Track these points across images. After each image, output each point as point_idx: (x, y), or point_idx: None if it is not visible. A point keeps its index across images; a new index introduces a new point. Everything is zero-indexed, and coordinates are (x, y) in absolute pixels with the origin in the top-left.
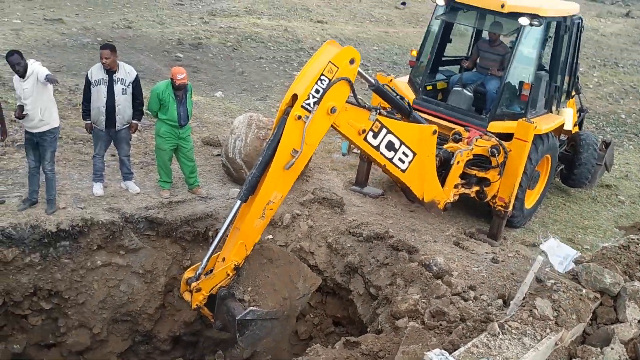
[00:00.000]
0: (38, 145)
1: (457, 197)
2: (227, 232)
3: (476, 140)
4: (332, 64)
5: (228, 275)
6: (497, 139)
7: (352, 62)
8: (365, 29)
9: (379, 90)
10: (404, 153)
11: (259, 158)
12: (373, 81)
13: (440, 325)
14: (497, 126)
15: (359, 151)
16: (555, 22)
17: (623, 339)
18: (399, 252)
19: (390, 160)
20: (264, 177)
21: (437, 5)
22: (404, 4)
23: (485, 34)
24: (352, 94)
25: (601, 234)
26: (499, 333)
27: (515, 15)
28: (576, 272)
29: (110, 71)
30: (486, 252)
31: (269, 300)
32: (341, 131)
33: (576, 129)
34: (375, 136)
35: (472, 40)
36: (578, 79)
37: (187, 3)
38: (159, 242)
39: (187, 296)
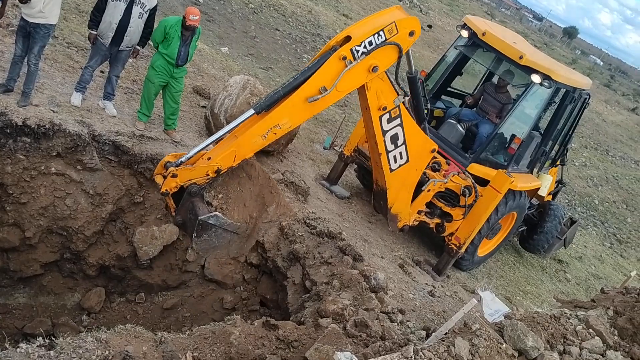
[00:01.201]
0: (29, 35)
1: (416, 223)
2: (224, 137)
3: (452, 175)
4: (395, 25)
5: (207, 175)
6: (473, 181)
7: (411, 34)
8: None
9: (413, 80)
10: (400, 153)
11: (289, 80)
12: (414, 68)
13: (360, 336)
14: (476, 169)
15: (340, 149)
16: (564, 90)
17: None
18: (345, 255)
19: (387, 153)
20: (284, 100)
21: (460, 36)
22: (430, 27)
23: (494, 79)
24: (395, 65)
25: (538, 303)
26: (411, 357)
27: (529, 70)
28: (502, 326)
29: None
30: (426, 284)
31: (236, 213)
32: (367, 96)
33: (549, 198)
34: (389, 121)
35: (482, 80)
36: (567, 152)
37: None
38: (118, 170)
39: (159, 179)
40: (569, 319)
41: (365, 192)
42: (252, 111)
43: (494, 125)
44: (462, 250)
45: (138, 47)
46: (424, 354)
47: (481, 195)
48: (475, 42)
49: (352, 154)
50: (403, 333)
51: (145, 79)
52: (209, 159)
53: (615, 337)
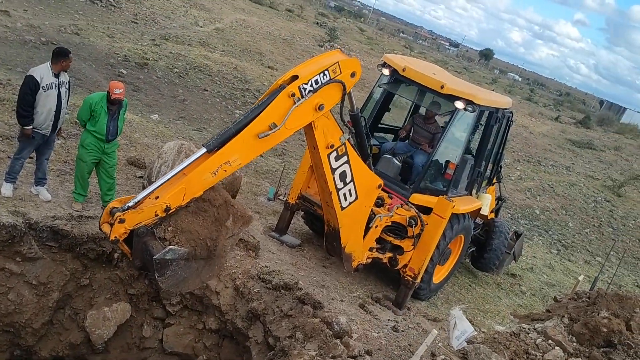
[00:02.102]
0: None
1: (369, 260)
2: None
3: (397, 208)
4: (339, 65)
5: (156, 215)
6: (417, 211)
7: (353, 74)
8: None
9: (356, 118)
10: (349, 191)
11: (240, 118)
12: (355, 107)
13: None
14: (418, 198)
15: (284, 198)
16: (487, 111)
17: None
18: (305, 305)
19: (338, 191)
20: (235, 137)
21: (382, 74)
22: None
23: (422, 110)
24: (339, 105)
25: (499, 320)
26: None
27: (452, 98)
28: (466, 352)
29: (56, 75)
30: (388, 320)
31: (193, 239)
32: (315, 135)
33: (492, 215)
34: (337, 158)
35: (410, 112)
36: (501, 169)
37: (141, 23)
38: (60, 255)
39: (106, 228)
40: (528, 334)
41: (315, 237)
42: (203, 150)
43: (427, 155)
44: (418, 280)
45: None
46: None
47: (427, 224)
48: (398, 78)
49: (297, 201)
50: None
51: (77, 158)
52: (156, 198)
53: (574, 344)
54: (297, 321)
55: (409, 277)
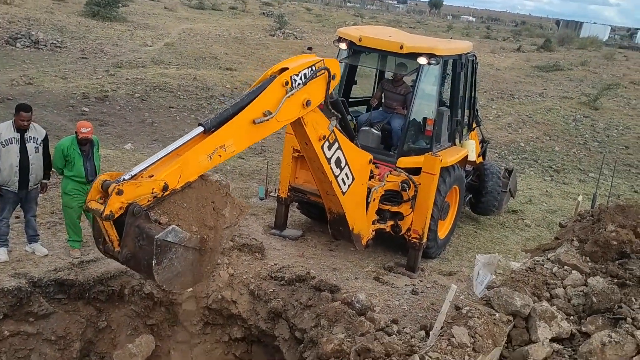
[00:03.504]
0: None
1: (374, 233)
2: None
3: (387, 176)
4: (323, 62)
5: (153, 192)
6: (407, 174)
7: (334, 77)
8: None
9: (337, 102)
10: (346, 174)
11: (236, 100)
12: (334, 93)
13: None
14: (405, 161)
15: (275, 194)
16: (451, 60)
17: (537, 359)
18: (322, 292)
19: (336, 177)
20: (231, 120)
21: (340, 49)
22: (310, 49)
23: (388, 74)
24: (324, 101)
25: (512, 258)
26: None
27: (413, 56)
28: (489, 298)
29: (21, 130)
30: (406, 285)
31: (191, 227)
32: (306, 130)
33: (480, 159)
34: (329, 147)
35: (376, 80)
36: (477, 112)
37: (90, 56)
38: (71, 305)
39: (94, 205)
40: (543, 265)
41: (315, 224)
42: (200, 128)
43: (404, 117)
44: (424, 240)
45: (45, 181)
46: (430, 357)
47: (419, 184)
48: (356, 49)
49: (289, 193)
50: (404, 341)
51: (63, 206)
52: (151, 176)
53: (589, 264)
54: (319, 309)
55: (415, 240)
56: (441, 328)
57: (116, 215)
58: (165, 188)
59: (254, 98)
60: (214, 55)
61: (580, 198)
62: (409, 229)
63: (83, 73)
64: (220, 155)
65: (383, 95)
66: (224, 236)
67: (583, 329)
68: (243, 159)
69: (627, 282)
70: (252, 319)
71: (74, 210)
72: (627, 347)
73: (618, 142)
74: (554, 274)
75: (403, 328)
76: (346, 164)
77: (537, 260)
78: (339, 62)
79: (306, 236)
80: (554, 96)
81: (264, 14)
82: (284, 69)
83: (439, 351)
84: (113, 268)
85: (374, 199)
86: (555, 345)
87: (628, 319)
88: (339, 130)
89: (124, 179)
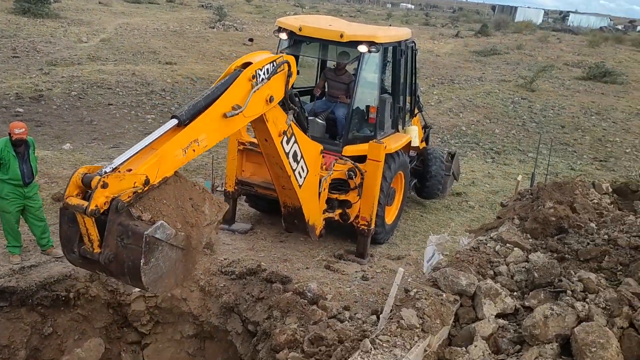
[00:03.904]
0: None
1: (324, 223)
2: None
3: (333, 165)
4: (283, 58)
5: (135, 186)
6: (353, 162)
7: (291, 74)
8: (217, 67)
9: (292, 97)
10: (302, 167)
11: (206, 92)
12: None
13: (320, 350)
14: (351, 150)
15: (222, 188)
16: (391, 48)
17: (484, 335)
18: (273, 284)
19: (294, 172)
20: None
21: (280, 39)
22: (251, 40)
23: (330, 63)
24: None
25: (457, 240)
26: (371, 349)
27: (354, 44)
28: (435, 279)
29: None
30: (356, 271)
31: (177, 222)
32: (268, 127)
33: (423, 144)
34: (287, 142)
35: (318, 69)
36: (419, 98)
37: (23, 55)
38: (14, 312)
39: (74, 201)
40: (486, 244)
41: (264, 217)
42: (174, 121)
43: (347, 106)
44: (372, 226)
45: None
46: (380, 340)
47: (365, 171)
48: (296, 39)
49: (236, 187)
50: (356, 327)
51: (0, 212)
52: (129, 170)
53: (530, 240)
54: (271, 301)
55: (363, 226)
56: (390, 311)
57: (102, 211)
58: (146, 182)
59: (223, 91)
60: (152, 50)
61: (519, 178)
62: (357, 216)
63: (15, 73)
64: (194, 150)
65: (326, 84)
66: (204, 234)
67: (526, 303)
68: None
69: (566, 256)
70: (204, 315)
71: (11, 215)
72: (568, 318)
73: (554, 122)
74: (497, 252)
75: (355, 314)
76: (302, 157)
77: (480, 240)
78: (280, 52)
79: (255, 229)
80: (492, 80)
81: (202, 6)
82: (247, 64)
83: (389, 334)
84: (56, 272)
85: (324, 189)
86: (501, 321)
87: (568, 291)
88: (295, 123)
89: (105, 172)
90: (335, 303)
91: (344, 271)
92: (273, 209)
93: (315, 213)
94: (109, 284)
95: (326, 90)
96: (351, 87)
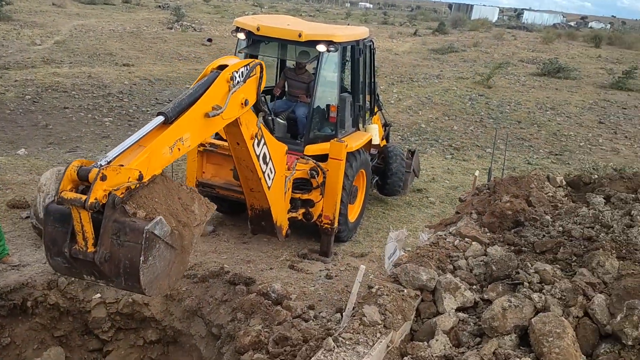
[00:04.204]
0: None
1: (288, 223)
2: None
3: (296, 164)
4: (255, 62)
5: (129, 181)
6: (314, 161)
7: (261, 78)
8: (175, 68)
9: (260, 100)
10: (270, 169)
11: (189, 90)
12: None
13: (285, 351)
14: (312, 149)
15: None
16: (349, 47)
17: (445, 329)
18: (237, 286)
19: (264, 174)
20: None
21: (238, 39)
22: (209, 40)
23: (290, 62)
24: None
25: (418, 235)
26: (334, 347)
27: (313, 44)
28: (396, 274)
29: None
30: (320, 270)
31: (172, 220)
32: (242, 130)
33: (384, 142)
34: (258, 144)
35: (278, 68)
36: (378, 97)
37: None
38: None
39: (70, 195)
40: (445, 239)
41: (226, 218)
42: (160, 118)
43: (307, 105)
44: (336, 224)
45: None
46: (343, 338)
47: (327, 170)
48: (255, 39)
49: (197, 189)
50: (321, 325)
51: None
52: (121, 165)
53: (488, 234)
54: (234, 303)
55: (326, 225)
56: (353, 309)
57: (101, 204)
58: (140, 177)
59: (204, 91)
60: (109, 52)
61: (477, 173)
62: (320, 215)
63: None
64: (179, 149)
65: (286, 84)
66: (195, 234)
67: (485, 296)
68: None
69: (523, 248)
70: (167, 320)
71: None
72: (525, 309)
73: (511, 117)
74: (456, 247)
75: (319, 313)
76: (270, 158)
77: (440, 235)
78: (238, 52)
79: (218, 231)
80: (450, 77)
81: (159, 6)
82: (223, 66)
83: (351, 331)
84: (13, 281)
85: (289, 189)
86: (461, 314)
87: (525, 283)
88: (264, 125)
89: (101, 165)
90: (299, 303)
91: (308, 270)
92: (235, 211)
93: (282, 213)
94: (67, 291)
95: (286, 89)
96: (311, 87)
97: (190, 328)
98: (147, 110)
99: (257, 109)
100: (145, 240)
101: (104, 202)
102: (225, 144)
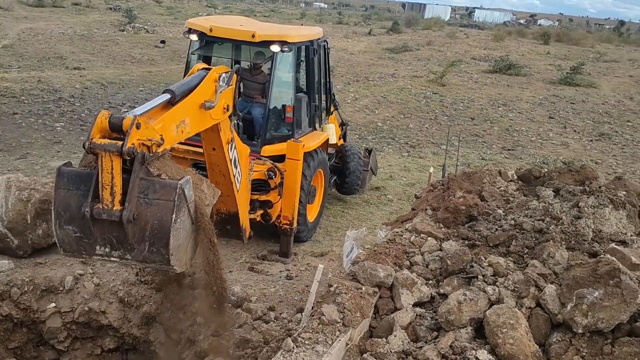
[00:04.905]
0: None
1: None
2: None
3: (253, 166)
4: (232, 71)
5: (153, 140)
6: (272, 162)
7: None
8: (128, 71)
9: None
10: (238, 172)
11: (186, 80)
12: None
13: (246, 353)
14: (269, 150)
15: None
16: (304, 47)
17: (403, 325)
18: (196, 290)
19: (234, 177)
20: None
21: (191, 40)
22: (163, 42)
23: (245, 63)
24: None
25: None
26: (293, 348)
27: (266, 44)
28: (354, 272)
29: None
30: (280, 271)
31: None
32: (220, 135)
33: (341, 141)
34: (231, 148)
35: (232, 68)
36: (334, 96)
37: None
38: None
39: (103, 141)
40: (402, 236)
41: None
42: (167, 96)
43: (263, 106)
44: (295, 225)
45: None
46: (303, 338)
47: (285, 171)
48: (208, 40)
49: None
50: (282, 327)
51: None
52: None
53: (443, 229)
54: (194, 307)
55: (285, 226)
56: (312, 308)
57: (138, 149)
58: (162, 140)
59: (198, 83)
60: (59, 55)
61: (432, 170)
62: (279, 216)
63: None
64: (182, 131)
65: (242, 84)
66: (205, 214)
67: (441, 290)
68: None
69: (476, 242)
70: (125, 327)
71: None
72: (480, 302)
73: (465, 114)
74: (412, 243)
75: (280, 314)
76: (238, 161)
77: (396, 232)
78: (192, 53)
79: None
80: (405, 76)
81: (111, 8)
82: (207, 69)
83: (310, 331)
84: None
85: (249, 190)
86: (418, 310)
87: (479, 276)
88: (235, 129)
89: (135, 115)
90: (260, 304)
91: (268, 272)
92: None
93: (246, 216)
94: (21, 302)
95: (241, 90)
96: (266, 87)
97: (149, 334)
98: None
99: (233, 113)
100: (177, 197)
101: (141, 150)
102: (180, 147)
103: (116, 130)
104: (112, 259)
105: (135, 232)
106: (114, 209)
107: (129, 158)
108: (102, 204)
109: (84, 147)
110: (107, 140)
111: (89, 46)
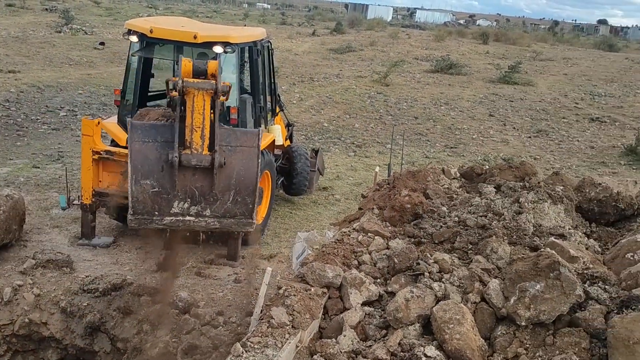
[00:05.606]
0: None
1: None
2: None
3: None
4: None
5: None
6: None
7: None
8: (66, 74)
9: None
10: None
11: None
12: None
13: (195, 359)
14: None
15: (79, 201)
16: (247, 47)
17: (352, 324)
18: (141, 297)
19: None
20: None
21: (131, 42)
22: (102, 44)
23: None
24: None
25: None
26: (242, 352)
27: (209, 45)
28: (303, 274)
29: None
30: (228, 275)
31: None
32: None
33: (288, 142)
34: None
35: (174, 71)
36: (280, 97)
37: None
38: None
39: (197, 80)
40: (349, 235)
41: (127, 228)
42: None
43: None
44: None
45: None
46: (252, 342)
47: None
48: (148, 41)
49: (93, 199)
50: (231, 331)
51: None
52: None
53: (389, 228)
54: (140, 315)
55: None
56: (261, 312)
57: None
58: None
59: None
60: None
61: (377, 169)
62: None
63: None
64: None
65: None
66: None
67: (389, 289)
68: (38, 167)
69: (422, 240)
70: (68, 338)
71: None
72: (427, 299)
73: (408, 113)
74: (359, 242)
75: (229, 318)
76: None
77: (344, 232)
78: (132, 55)
79: (119, 242)
80: (349, 76)
81: (46, 9)
82: None
83: (260, 335)
84: None
85: None
86: (367, 309)
87: (426, 273)
88: None
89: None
90: (208, 309)
91: (215, 276)
92: None
93: None
94: None
95: None
96: None
97: (93, 345)
98: (37, 119)
99: None
100: (259, 141)
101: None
102: (122, 150)
103: (201, 74)
104: (188, 217)
105: (221, 179)
106: (203, 153)
107: (222, 97)
108: (192, 149)
109: (170, 86)
110: (200, 80)
111: (24, 48)
